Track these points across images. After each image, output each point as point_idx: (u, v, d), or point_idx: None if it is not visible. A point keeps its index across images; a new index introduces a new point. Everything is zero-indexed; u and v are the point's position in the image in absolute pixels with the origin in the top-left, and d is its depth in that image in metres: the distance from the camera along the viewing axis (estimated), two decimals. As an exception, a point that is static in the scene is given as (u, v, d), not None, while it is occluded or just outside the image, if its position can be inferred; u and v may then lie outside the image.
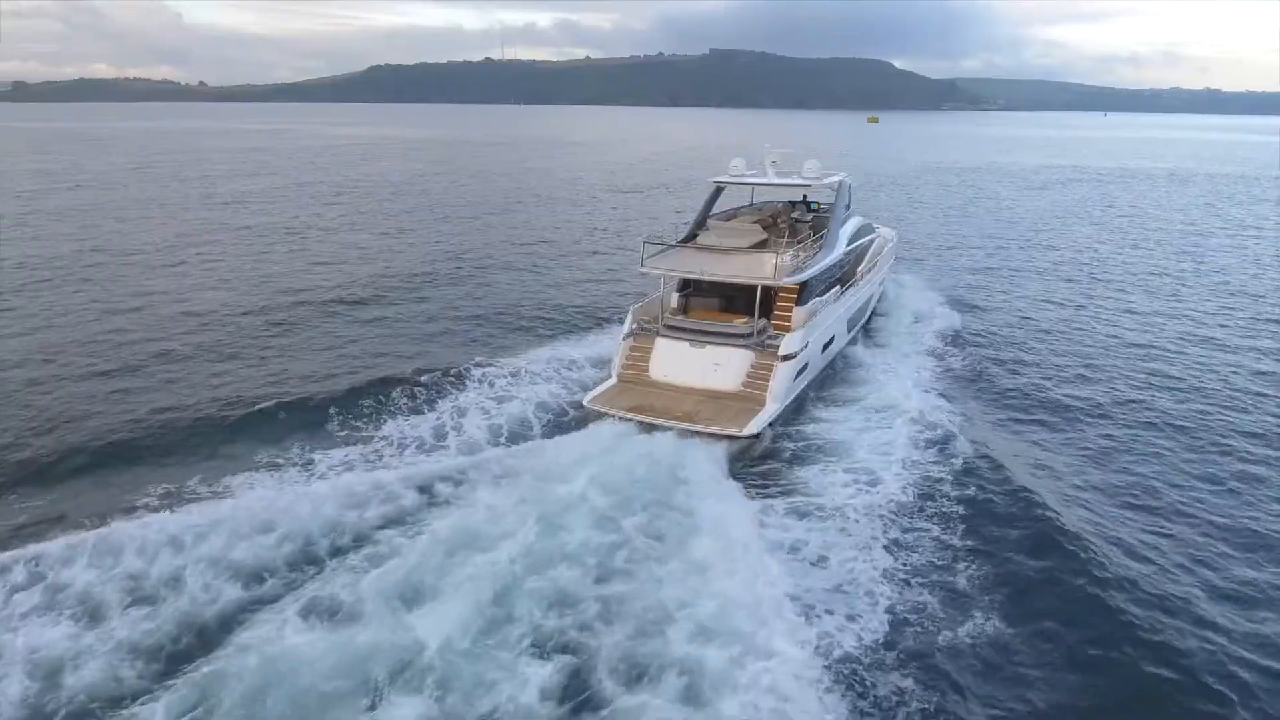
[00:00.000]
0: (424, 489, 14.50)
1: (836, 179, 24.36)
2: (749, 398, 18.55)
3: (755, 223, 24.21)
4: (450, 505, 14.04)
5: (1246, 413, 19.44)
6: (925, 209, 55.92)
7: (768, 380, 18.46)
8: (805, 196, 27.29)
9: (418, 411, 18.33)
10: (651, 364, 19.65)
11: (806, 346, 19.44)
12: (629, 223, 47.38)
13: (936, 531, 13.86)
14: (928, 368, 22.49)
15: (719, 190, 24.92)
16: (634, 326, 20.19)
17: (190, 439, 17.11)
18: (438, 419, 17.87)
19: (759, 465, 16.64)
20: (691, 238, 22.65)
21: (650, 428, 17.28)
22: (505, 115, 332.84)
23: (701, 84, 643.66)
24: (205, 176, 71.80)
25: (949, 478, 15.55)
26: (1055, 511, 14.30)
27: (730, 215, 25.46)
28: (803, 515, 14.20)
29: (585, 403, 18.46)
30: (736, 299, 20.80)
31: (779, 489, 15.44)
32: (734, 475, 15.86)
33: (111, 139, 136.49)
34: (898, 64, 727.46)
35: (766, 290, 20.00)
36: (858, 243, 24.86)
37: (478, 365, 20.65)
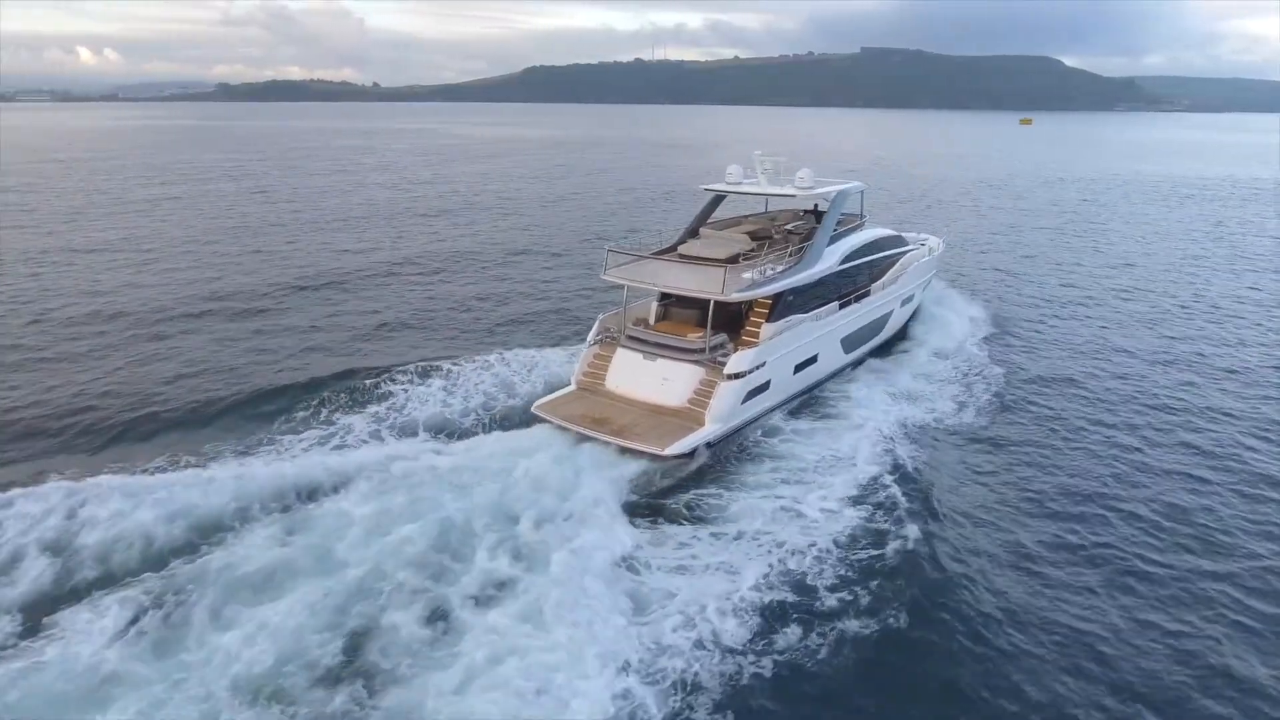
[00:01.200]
0: (322, 483, 15.13)
1: (834, 189, 23.18)
2: (690, 415, 18.05)
3: (749, 232, 23.13)
4: (319, 506, 14.45)
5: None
6: (1011, 220, 53.08)
7: (710, 399, 18.01)
8: (816, 205, 25.66)
9: (370, 402, 19.59)
10: (608, 374, 19.54)
11: (763, 366, 18.70)
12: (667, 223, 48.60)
13: (820, 594, 12.72)
14: (920, 405, 20.64)
15: (718, 198, 24.18)
16: (600, 335, 20.16)
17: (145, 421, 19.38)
18: (384, 411, 19.09)
19: (680, 488, 16.30)
20: (673, 247, 22.18)
21: (583, 439, 17.31)
22: (641, 114, 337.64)
23: (851, 83, 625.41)
24: (288, 173, 78.48)
25: (865, 538, 14.17)
26: (963, 603, 12.82)
27: (728, 223, 24.58)
28: (687, 550, 13.73)
29: (533, 408, 18.64)
30: (716, 312, 19.93)
31: (684, 517, 15.04)
32: (645, 497, 15.82)
33: (256, 135, 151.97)
34: (1068, 61, 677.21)
35: (724, 305, 19.33)
36: (871, 256, 23.62)
37: (452, 360, 21.99)
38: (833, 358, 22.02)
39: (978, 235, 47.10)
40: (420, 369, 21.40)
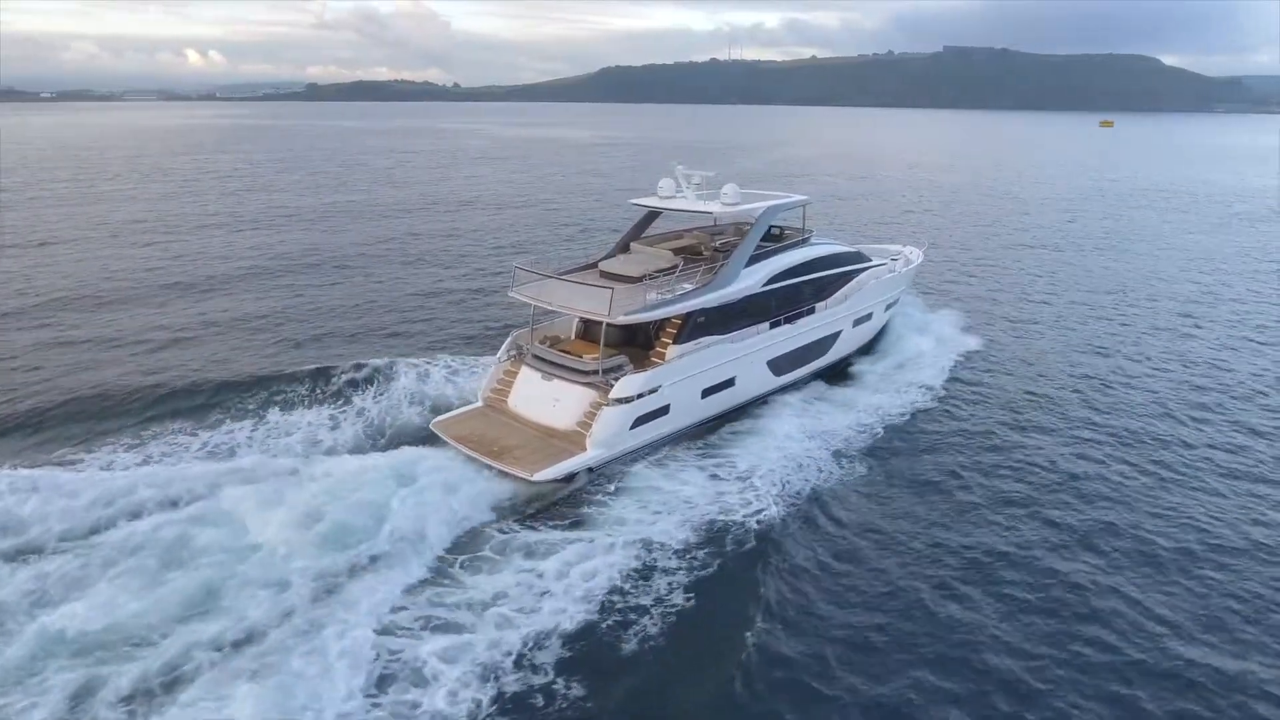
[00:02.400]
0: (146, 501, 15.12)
1: (761, 206, 22.23)
2: (575, 439, 17.67)
3: (683, 248, 22.74)
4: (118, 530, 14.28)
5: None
6: (1019, 232, 50.78)
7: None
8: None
9: (301, 406, 20.37)
10: (511, 392, 19.39)
11: (657, 391, 18.19)
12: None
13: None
14: (819, 440, 19.51)
15: (651, 213, 23.61)
16: (510, 352, 20.03)
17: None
18: (286, 417, 19.66)
19: (545, 516, 16.07)
20: (594, 264, 21.87)
21: (468, 459, 17.24)
22: (708, 115, 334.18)
23: (931, 83, 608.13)
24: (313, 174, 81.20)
25: (718, 588, 13.85)
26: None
27: (663, 238, 24.08)
28: (506, 600, 13.25)
29: (432, 424, 18.68)
30: (635, 332, 19.87)
31: (527, 551, 14.69)
32: (510, 520, 15.68)
33: (295, 133, 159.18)
34: (1167, 60, 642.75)
35: (635, 326, 19.08)
36: (814, 274, 22.72)
37: (382, 365, 22.37)
38: (756, 381, 21.26)
39: (974, 248, 45.74)
40: (341, 377, 21.74)
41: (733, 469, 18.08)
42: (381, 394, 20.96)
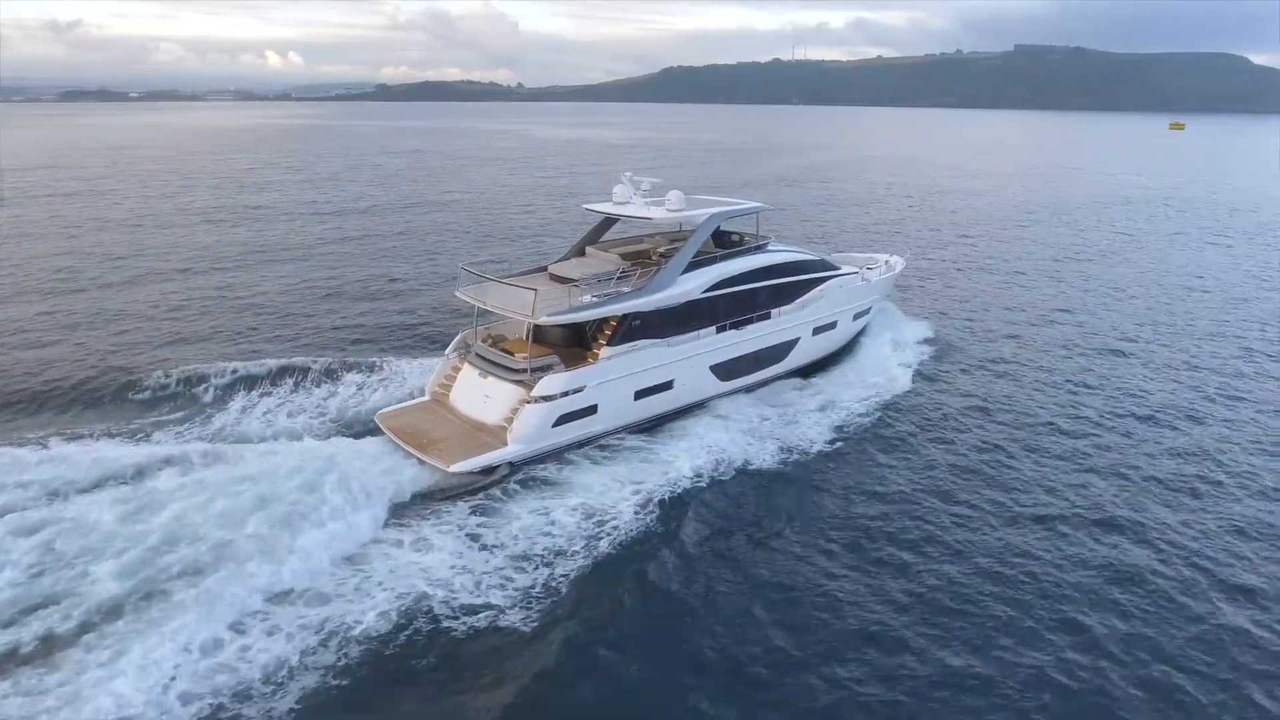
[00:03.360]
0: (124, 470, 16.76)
1: (704, 213, 22.40)
2: (500, 435, 18.28)
3: (633, 252, 23.10)
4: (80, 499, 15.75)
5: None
6: (1026, 247, 49.48)
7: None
8: (720, 226, 24.31)
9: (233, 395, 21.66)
10: (453, 388, 20.20)
11: (582, 390, 18.66)
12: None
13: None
14: (742, 445, 19.78)
15: (606, 218, 23.96)
16: (458, 348, 20.87)
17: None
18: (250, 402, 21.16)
19: (453, 506, 16.77)
20: (543, 267, 22.59)
21: (406, 453, 18.07)
22: (765, 115, 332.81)
23: (1001, 83, 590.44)
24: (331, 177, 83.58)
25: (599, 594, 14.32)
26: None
27: (619, 243, 24.39)
28: (390, 591, 14.02)
29: (376, 415, 19.62)
30: (579, 335, 20.43)
31: (424, 542, 15.46)
32: (402, 514, 16.31)
33: (346, 134, 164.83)
34: (1255, 59, 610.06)
35: (569, 327, 19.68)
36: (766, 281, 22.83)
37: (347, 358, 23.91)
38: (698, 385, 21.57)
39: (959, 258, 45.30)
40: (318, 368, 23.11)
41: (640, 468, 18.50)
42: (346, 386, 22.27)
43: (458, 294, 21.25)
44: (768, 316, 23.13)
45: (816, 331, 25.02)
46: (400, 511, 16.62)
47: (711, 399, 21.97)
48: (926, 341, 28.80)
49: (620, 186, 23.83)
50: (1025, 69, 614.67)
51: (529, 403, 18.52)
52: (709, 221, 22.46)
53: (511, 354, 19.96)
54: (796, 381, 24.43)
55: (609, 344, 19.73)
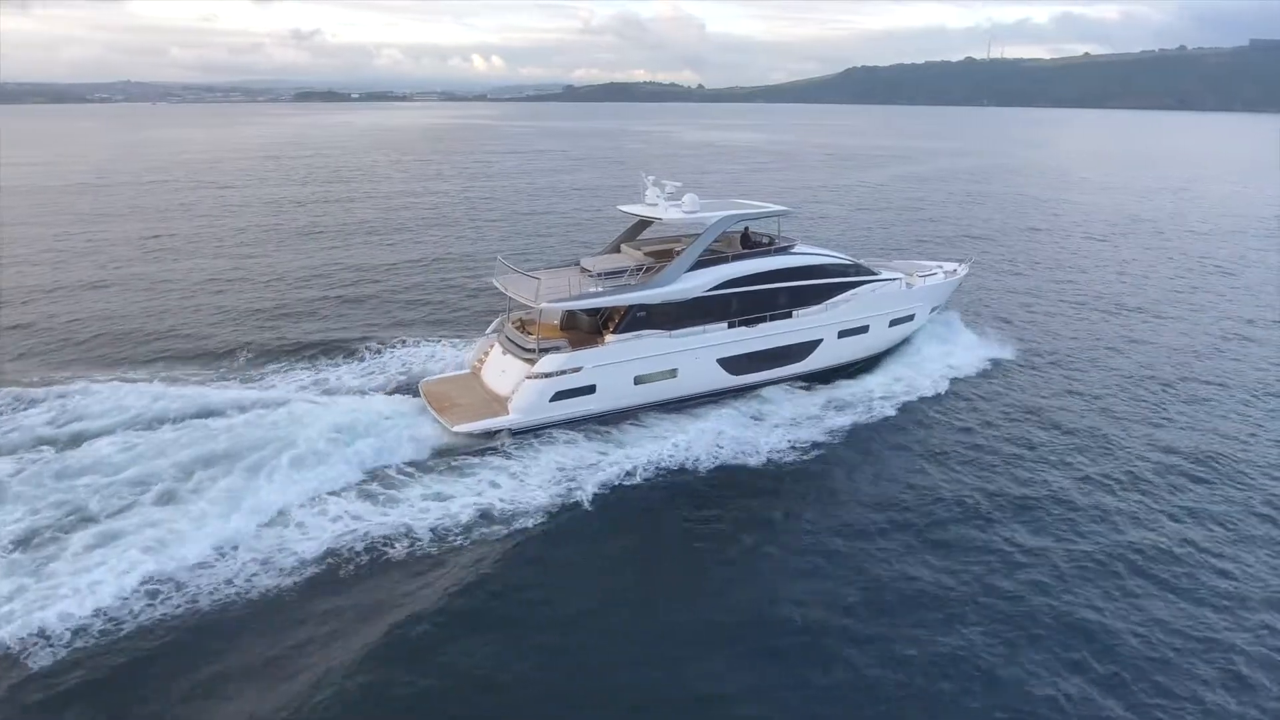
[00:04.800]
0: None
1: (717, 215, 23.30)
2: (504, 405, 20.54)
3: (653, 251, 24.40)
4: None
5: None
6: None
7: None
8: (747, 228, 25.78)
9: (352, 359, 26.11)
10: (485, 363, 22.68)
11: (579, 371, 20.43)
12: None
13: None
14: (730, 444, 20.68)
15: (641, 220, 25.20)
16: (496, 329, 23.20)
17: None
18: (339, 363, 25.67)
19: (454, 461, 19.17)
20: (577, 261, 24.55)
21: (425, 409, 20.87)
22: (949, 118, 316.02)
23: (1228, 82, 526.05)
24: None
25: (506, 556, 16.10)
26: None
27: (656, 241, 25.72)
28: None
29: (420, 383, 22.18)
30: (601, 323, 22.17)
31: (398, 493, 18.08)
32: (415, 459, 19.18)
33: (493, 134, 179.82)
34: None
35: (587, 314, 21.68)
36: (791, 283, 23.57)
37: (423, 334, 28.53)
38: (705, 377, 22.73)
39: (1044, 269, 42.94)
40: (387, 340, 28.12)
41: (618, 449, 20.31)
42: (418, 354, 26.75)
43: (493, 280, 23.65)
44: (788, 316, 23.88)
45: (843, 335, 25.30)
46: (410, 457, 20.03)
47: (720, 391, 23.11)
48: (981, 356, 27.89)
49: (652, 189, 24.97)
50: (1261, 66, 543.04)
51: (530, 378, 20.65)
52: (719, 223, 23.37)
53: (529, 335, 21.97)
54: (808, 381, 24.93)
55: (614, 332, 21.53)
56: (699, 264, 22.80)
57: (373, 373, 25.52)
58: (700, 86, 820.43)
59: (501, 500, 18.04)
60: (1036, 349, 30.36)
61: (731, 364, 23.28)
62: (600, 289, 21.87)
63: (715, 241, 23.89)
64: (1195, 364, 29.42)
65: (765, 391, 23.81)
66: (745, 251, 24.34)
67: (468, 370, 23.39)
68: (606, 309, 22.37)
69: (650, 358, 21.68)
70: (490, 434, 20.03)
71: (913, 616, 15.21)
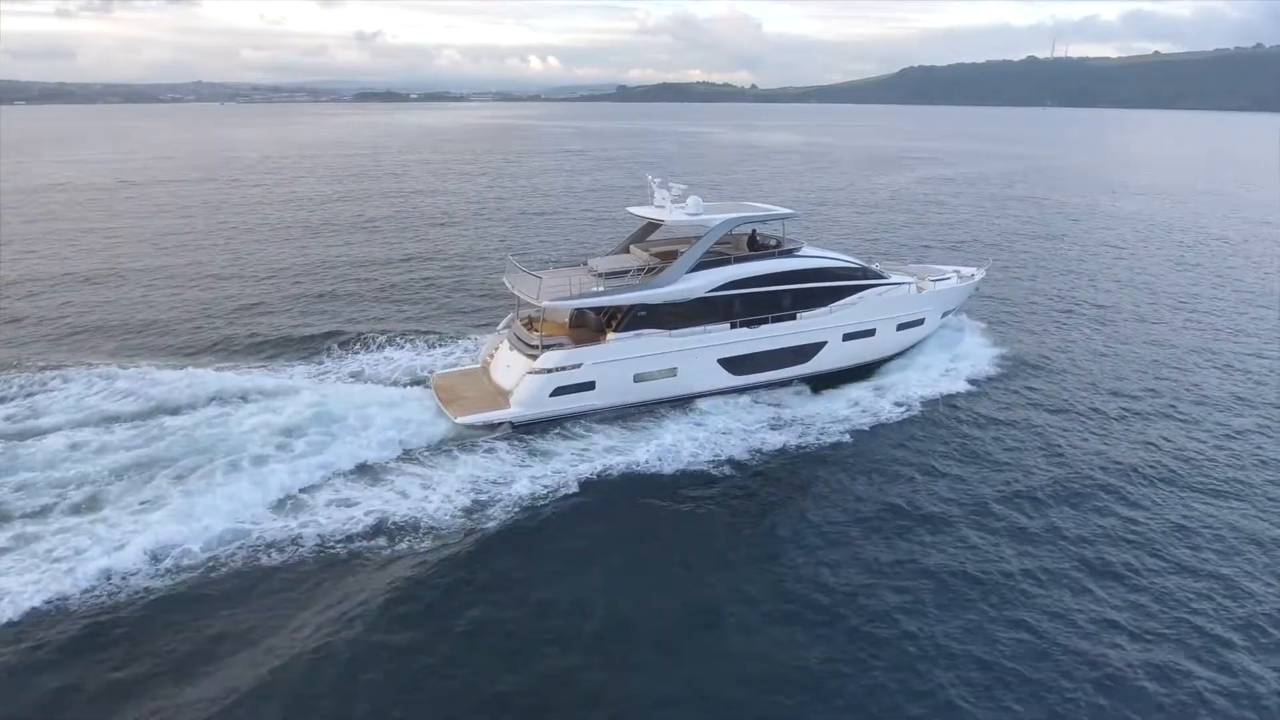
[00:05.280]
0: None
1: (719, 218, 23.51)
2: (507, 398, 21.02)
3: (659, 252, 24.71)
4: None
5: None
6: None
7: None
8: (755, 230, 25.85)
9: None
10: (495, 357, 23.13)
11: (579, 367, 20.85)
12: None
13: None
14: (709, 449, 20.59)
15: (648, 222, 25.64)
16: (506, 325, 23.73)
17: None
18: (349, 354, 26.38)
19: (455, 450, 19.65)
20: (583, 261, 25.12)
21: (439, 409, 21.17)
22: (1003, 119, 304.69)
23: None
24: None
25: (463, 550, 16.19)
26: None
27: (664, 242, 26.00)
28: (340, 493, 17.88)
29: (431, 375, 22.88)
30: (606, 321, 22.62)
31: (393, 482, 18.48)
32: (417, 448, 19.65)
33: (544, 132, 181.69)
34: None
35: (592, 311, 22.08)
36: (795, 285, 23.77)
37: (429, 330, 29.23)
38: (705, 376, 23.02)
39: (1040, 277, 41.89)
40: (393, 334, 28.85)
41: (604, 444, 20.56)
42: (436, 348, 27.48)
43: (503, 279, 24.17)
44: (792, 318, 24.05)
45: (848, 337, 25.31)
46: (412, 447, 20.53)
47: (721, 390, 23.30)
48: (987, 362, 27.45)
49: (661, 192, 25.16)
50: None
51: (531, 373, 21.03)
52: (720, 225, 23.50)
53: (534, 332, 22.37)
54: (812, 383, 25.02)
55: (615, 330, 21.91)
56: (701, 265, 23.16)
57: (386, 363, 26.29)
58: (753, 87, 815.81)
59: (484, 492, 18.34)
60: (1047, 355, 29.67)
61: (733, 364, 23.61)
62: (602, 288, 22.37)
63: (720, 243, 24.21)
64: (1206, 385, 27.52)
65: (765, 393, 24.05)
66: (750, 253, 24.61)
67: (478, 365, 24.16)
68: (611, 308, 22.82)
69: (650, 356, 22.10)
70: (492, 426, 20.67)
71: (908, 614, 15.23)
